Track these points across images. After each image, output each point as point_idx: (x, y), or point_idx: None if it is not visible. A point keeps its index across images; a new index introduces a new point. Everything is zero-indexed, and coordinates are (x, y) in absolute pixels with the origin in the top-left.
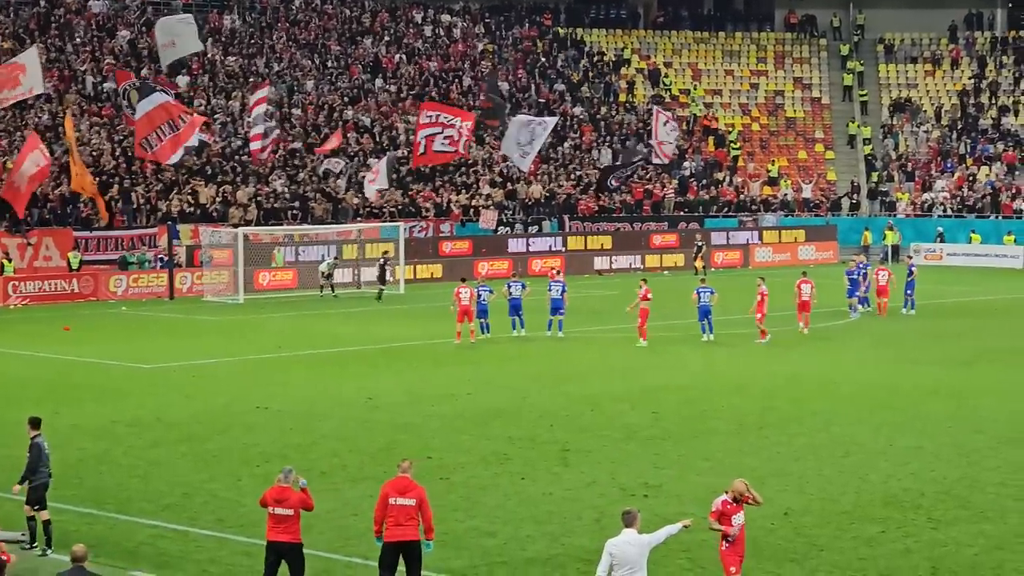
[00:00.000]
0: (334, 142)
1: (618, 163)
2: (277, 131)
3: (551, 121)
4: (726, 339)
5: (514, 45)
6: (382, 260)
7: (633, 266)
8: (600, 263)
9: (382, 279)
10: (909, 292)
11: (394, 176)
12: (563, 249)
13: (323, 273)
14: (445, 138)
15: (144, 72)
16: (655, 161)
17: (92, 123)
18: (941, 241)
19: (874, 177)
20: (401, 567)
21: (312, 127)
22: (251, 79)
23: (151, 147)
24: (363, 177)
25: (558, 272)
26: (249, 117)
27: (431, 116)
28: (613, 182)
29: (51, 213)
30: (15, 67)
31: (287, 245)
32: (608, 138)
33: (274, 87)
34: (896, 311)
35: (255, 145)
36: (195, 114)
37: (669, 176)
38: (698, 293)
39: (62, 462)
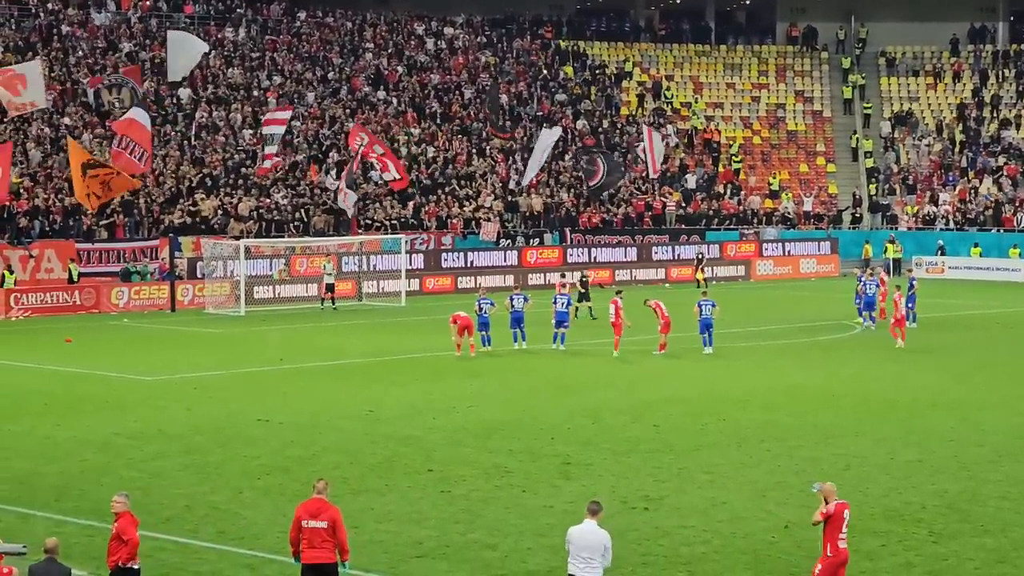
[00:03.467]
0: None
1: (604, 179)
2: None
3: (553, 133)
4: (727, 352)
5: (516, 58)
6: (582, 278)
7: (640, 278)
8: (621, 276)
9: (586, 296)
10: (910, 305)
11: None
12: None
13: (326, 284)
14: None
15: (147, 84)
16: (651, 176)
17: (95, 135)
18: (942, 254)
19: (875, 190)
20: None
21: (314, 139)
22: (254, 92)
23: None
24: (337, 191)
25: (564, 285)
26: (264, 132)
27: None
28: (604, 194)
29: (53, 225)
30: (15, 76)
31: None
32: (611, 152)
33: (291, 105)
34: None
35: (267, 164)
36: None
37: (671, 189)
38: (700, 306)
39: (63, 474)
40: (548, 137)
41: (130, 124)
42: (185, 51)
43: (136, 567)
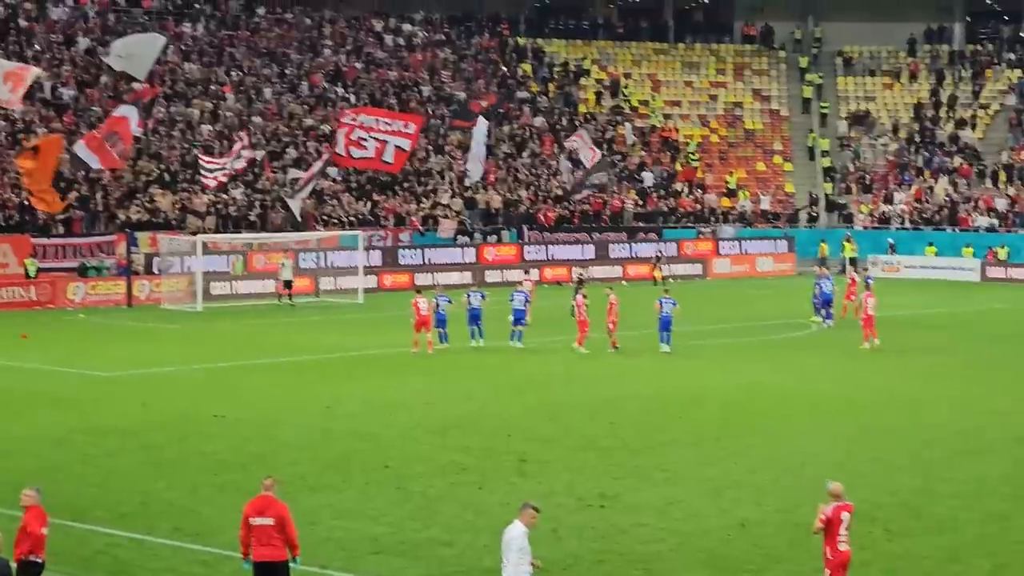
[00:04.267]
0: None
1: (587, 178)
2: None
3: (482, 124)
4: (684, 350)
5: (474, 55)
6: (579, 276)
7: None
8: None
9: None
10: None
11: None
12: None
13: (283, 281)
14: (364, 140)
15: (104, 80)
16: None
17: (52, 130)
18: (893, 253)
19: (832, 189)
20: None
21: (272, 135)
22: (211, 86)
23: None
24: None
25: (522, 282)
26: (230, 159)
27: (351, 118)
28: (583, 191)
29: (7, 220)
30: (19, 75)
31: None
32: (565, 150)
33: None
34: (851, 322)
35: (222, 179)
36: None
37: (628, 186)
38: (660, 303)
39: (19, 470)
40: (481, 127)
41: (120, 120)
42: (145, 51)
43: (39, 560)
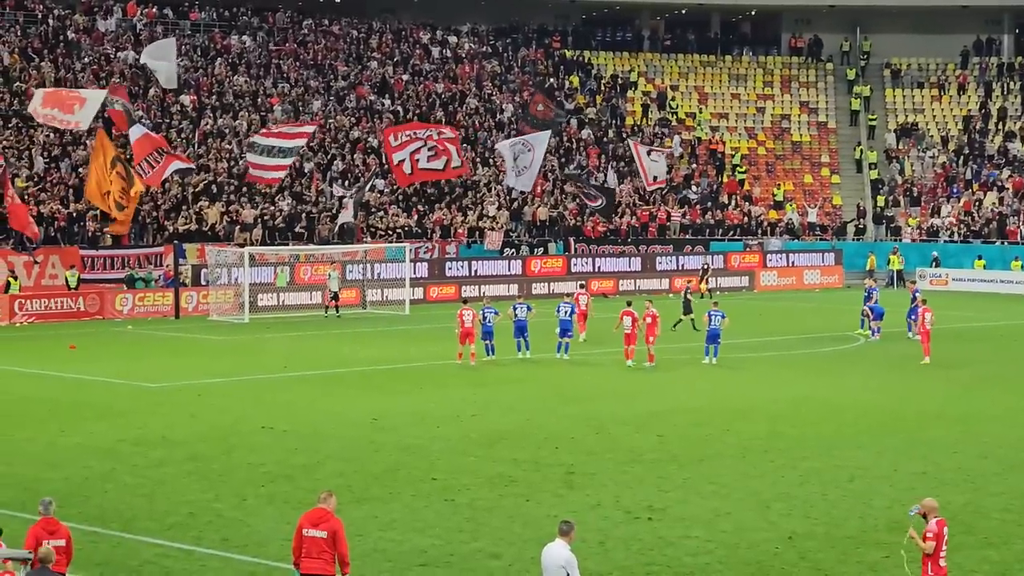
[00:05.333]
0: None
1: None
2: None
3: (542, 136)
4: (731, 363)
5: (521, 67)
6: (687, 291)
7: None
8: (625, 286)
9: (688, 308)
10: (913, 317)
11: (368, 203)
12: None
13: (330, 292)
14: (429, 150)
15: (152, 91)
16: (649, 188)
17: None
18: (937, 266)
19: (880, 202)
20: None
21: (319, 147)
22: (259, 99)
23: (144, 172)
24: (335, 208)
25: (570, 295)
26: (284, 145)
27: (404, 135)
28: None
29: (58, 232)
30: (76, 97)
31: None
32: (615, 162)
33: (283, 111)
34: (900, 336)
35: (277, 174)
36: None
37: (674, 199)
38: (709, 316)
39: (67, 481)
40: (539, 140)
41: (142, 142)
42: (163, 56)
43: None
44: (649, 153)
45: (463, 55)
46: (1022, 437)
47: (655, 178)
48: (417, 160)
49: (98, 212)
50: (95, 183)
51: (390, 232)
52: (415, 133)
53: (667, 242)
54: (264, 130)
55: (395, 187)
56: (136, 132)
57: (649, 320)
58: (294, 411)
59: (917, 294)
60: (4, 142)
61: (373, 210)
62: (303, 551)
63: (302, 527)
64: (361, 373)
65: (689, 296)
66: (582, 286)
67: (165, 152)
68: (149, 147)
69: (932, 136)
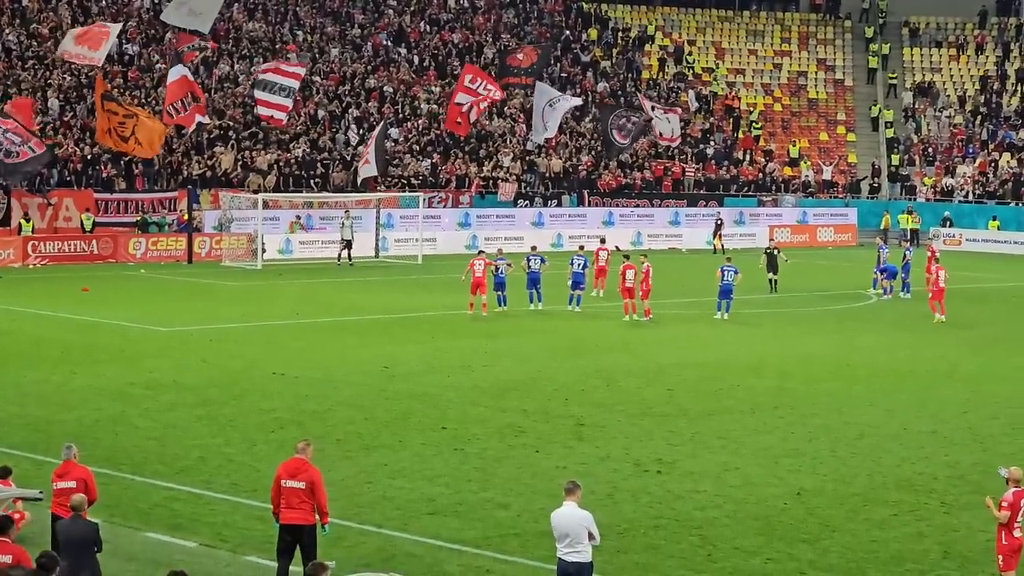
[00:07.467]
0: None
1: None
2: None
3: (573, 101)
4: (742, 318)
5: (539, 19)
6: (769, 248)
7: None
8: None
9: (773, 266)
10: (904, 276)
11: (388, 157)
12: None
13: (344, 240)
14: (483, 108)
15: (168, 36)
16: (661, 142)
17: (115, 86)
18: (950, 226)
19: (895, 160)
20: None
21: (335, 95)
22: (276, 45)
23: (176, 112)
24: (355, 159)
25: (582, 247)
26: (281, 82)
27: (480, 86)
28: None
29: (72, 174)
30: (104, 32)
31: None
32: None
33: (299, 57)
34: (916, 295)
35: (282, 115)
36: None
37: (690, 154)
38: (722, 271)
39: (78, 423)
40: (567, 103)
41: (180, 83)
42: (209, 5)
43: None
44: (653, 109)
45: (480, 5)
46: None
47: (661, 134)
48: (469, 113)
49: (110, 155)
50: (100, 125)
51: (403, 181)
52: (489, 89)
53: (681, 197)
54: (265, 65)
55: (408, 136)
56: (175, 73)
57: (642, 276)
58: (306, 357)
59: (909, 253)
60: (22, 84)
61: (387, 158)
62: (282, 502)
63: (280, 478)
64: (373, 321)
65: (775, 252)
66: (603, 241)
67: (194, 102)
68: (183, 90)
69: (949, 96)
